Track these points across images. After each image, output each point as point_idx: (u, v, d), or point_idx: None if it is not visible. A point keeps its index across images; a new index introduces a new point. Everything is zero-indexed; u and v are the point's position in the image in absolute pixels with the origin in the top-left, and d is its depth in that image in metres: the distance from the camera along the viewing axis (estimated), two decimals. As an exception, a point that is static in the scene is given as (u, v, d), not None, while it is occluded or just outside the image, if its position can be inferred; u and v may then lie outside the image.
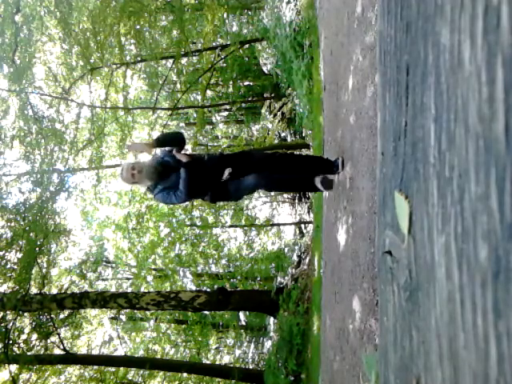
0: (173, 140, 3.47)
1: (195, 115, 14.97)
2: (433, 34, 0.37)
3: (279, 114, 14.13)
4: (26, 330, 9.61)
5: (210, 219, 14.78)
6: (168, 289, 13.13)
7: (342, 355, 3.50)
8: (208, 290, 10.77)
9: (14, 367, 8.93)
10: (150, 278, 14.27)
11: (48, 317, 9.55)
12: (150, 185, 3.36)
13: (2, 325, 8.63)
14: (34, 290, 9.54)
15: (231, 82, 14.91)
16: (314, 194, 7.86)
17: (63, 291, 10.31)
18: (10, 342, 8.73)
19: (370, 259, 2.69)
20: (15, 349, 8.99)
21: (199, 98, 13.97)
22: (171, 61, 12.60)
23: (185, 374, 12.55)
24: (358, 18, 3.56)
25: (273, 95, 14.89)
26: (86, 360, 10.56)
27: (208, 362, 15.31)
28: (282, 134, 15.49)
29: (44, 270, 9.96)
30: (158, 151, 3.50)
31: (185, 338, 15.13)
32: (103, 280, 15.86)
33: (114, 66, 11.89)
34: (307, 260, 9.54)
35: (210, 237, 15.06)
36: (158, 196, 3.38)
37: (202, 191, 3.41)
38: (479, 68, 0.29)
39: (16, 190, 10.39)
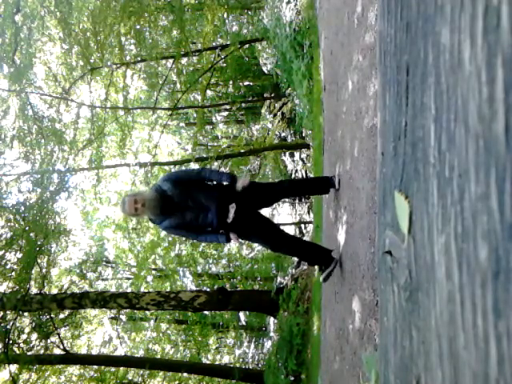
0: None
1: (195, 115, 14.97)
2: (433, 34, 0.37)
3: (279, 114, 14.14)
4: (26, 330, 9.61)
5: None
6: (168, 289, 13.14)
7: (341, 355, 3.50)
8: (208, 290, 10.77)
9: (14, 367, 8.94)
10: (149, 278, 14.27)
11: (48, 317, 9.55)
12: (153, 217, 3.27)
13: (2, 325, 8.63)
14: (34, 290, 9.53)
15: (231, 82, 14.91)
16: (314, 197, 7.87)
17: (63, 291, 10.31)
18: (10, 341, 8.73)
19: (370, 259, 2.69)
20: (15, 349, 9.00)
21: (199, 98, 13.97)
22: (171, 61, 12.61)
23: (185, 374, 12.56)
24: (358, 18, 3.56)
25: (273, 95, 14.90)
26: (85, 360, 10.56)
27: (208, 362, 15.31)
28: (282, 134, 15.50)
29: (44, 270, 9.96)
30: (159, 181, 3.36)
31: (185, 338, 15.13)
32: (103, 280, 15.86)
33: (114, 66, 11.90)
34: (307, 260, 9.51)
35: (210, 237, 15.01)
36: (169, 230, 3.27)
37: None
38: (479, 68, 0.29)
39: (16, 189, 10.40)
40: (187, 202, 3.17)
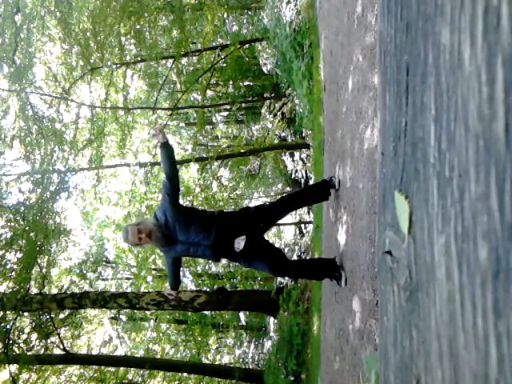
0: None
1: (195, 115, 14.97)
2: (433, 34, 0.37)
3: (279, 114, 14.14)
4: (26, 330, 9.62)
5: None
6: (168, 289, 13.11)
7: (341, 355, 3.50)
8: (208, 290, 10.77)
9: (14, 367, 8.94)
10: (149, 278, 14.27)
11: (48, 317, 9.55)
12: (159, 249, 3.17)
13: (2, 325, 8.63)
14: (34, 290, 9.54)
15: (231, 82, 14.91)
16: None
17: (63, 291, 10.31)
18: (10, 341, 8.73)
19: (370, 259, 2.68)
20: (15, 349, 9.00)
21: (199, 98, 13.97)
22: (171, 61, 12.60)
23: (185, 374, 12.56)
24: (358, 17, 3.56)
25: (273, 95, 14.90)
26: (85, 360, 10.56)
27: (208, 362, 15.32)
28: (282, 134, 15.51)
29: (44, 270, 9.96)
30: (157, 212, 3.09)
31: (185, 338, 15.13)
32: (103, 280, 15.87)
33: (114, 66, 11.90)
34: (307, 260, 9.53)
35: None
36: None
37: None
38: (479, 68, 0.29)
39: (16, 189, 10.40)
40: (177, 234, 2.97)
